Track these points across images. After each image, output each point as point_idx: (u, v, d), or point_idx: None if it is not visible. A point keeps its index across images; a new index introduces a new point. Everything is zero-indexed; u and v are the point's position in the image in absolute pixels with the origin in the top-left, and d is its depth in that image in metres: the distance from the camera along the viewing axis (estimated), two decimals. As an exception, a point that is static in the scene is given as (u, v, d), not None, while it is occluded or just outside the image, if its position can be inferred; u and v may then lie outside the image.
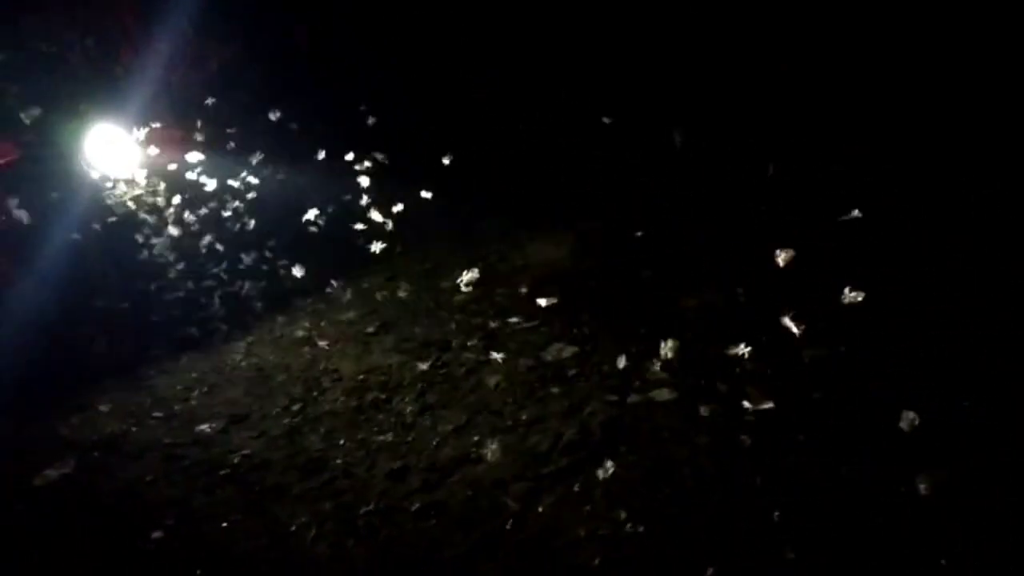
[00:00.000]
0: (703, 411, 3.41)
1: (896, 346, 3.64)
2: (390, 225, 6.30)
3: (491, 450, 3.39)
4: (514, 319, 4.58)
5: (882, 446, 3.03)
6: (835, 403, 3.34)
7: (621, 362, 3.87)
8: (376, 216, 6.42)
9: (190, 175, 6.26)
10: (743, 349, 3.80)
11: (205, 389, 4.38)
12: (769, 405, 3.37)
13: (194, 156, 6.37)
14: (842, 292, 4.07)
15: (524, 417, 3.61)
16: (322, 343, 4.69)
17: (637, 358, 3.91)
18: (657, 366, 3.80)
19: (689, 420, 3.36)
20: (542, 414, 3.61)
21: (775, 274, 4.24)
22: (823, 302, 4.08)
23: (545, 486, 3.12)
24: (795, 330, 3.84)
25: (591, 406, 3.59)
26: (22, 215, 4.92)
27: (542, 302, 4.66)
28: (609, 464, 3.14)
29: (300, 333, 4.85)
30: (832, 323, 3.87)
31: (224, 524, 3.24)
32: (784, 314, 4.00)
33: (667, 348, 3.91)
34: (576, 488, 3.08)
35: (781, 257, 4.19)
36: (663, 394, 3.57)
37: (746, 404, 3.39)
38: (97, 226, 5.38)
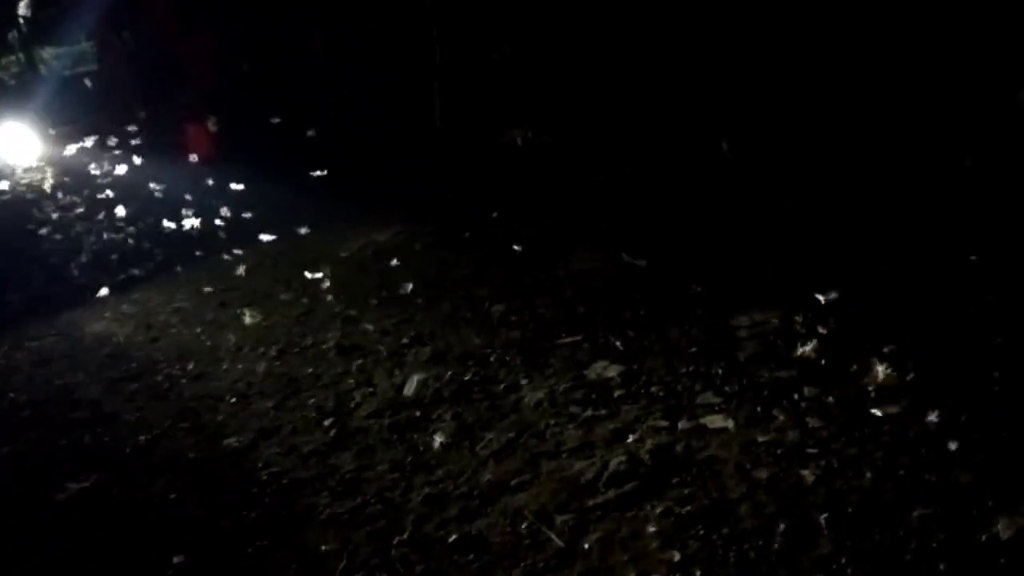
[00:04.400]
0: (760, 440, 3.19)
1: (965, 378, 3.41)
2: (422, 233, 6.17)
3: (533, 478, 3.20)
4: (555, 333, 4.38)
5: (954, 480, 2.80)
6: (903, 436, 3.11)
7: (670, 384, 3.66)
8: (406, 224, 6.30)
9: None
10: (800, 373, 3.58)
11: (233, 399, 4.22)
12: (830, 436, 3.16)
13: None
14: (901, 317, 3.87)
15: (567, 442, 3.41)
16: (355, 353, 4.51)
17: (686, 380, 3.70)
18: (709, 389, 3.59)
19: (746, 451, 3.14)
20: (587, 439, 3.40)
21: (832, 296, 4.03)
22: (881, 325, 3.87)
23: (592, 520, 2.92)
24: (855, 355, 3.62)
25: (639, 431, 3.38)
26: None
27: (585, 315, 4.48)
28: (661, 498, 2.94)
29: (331, 342, 4.67)
30: (896, 348, 3.64)
31: (249, 549, 3.08)
32: (842, 338, 3.80)
33: (718, 370, 3.71)
34: (625, 524, 2.87)
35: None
36: (716, 420, 3.35)
37: (806, 434, 3.18)
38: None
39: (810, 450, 3.10)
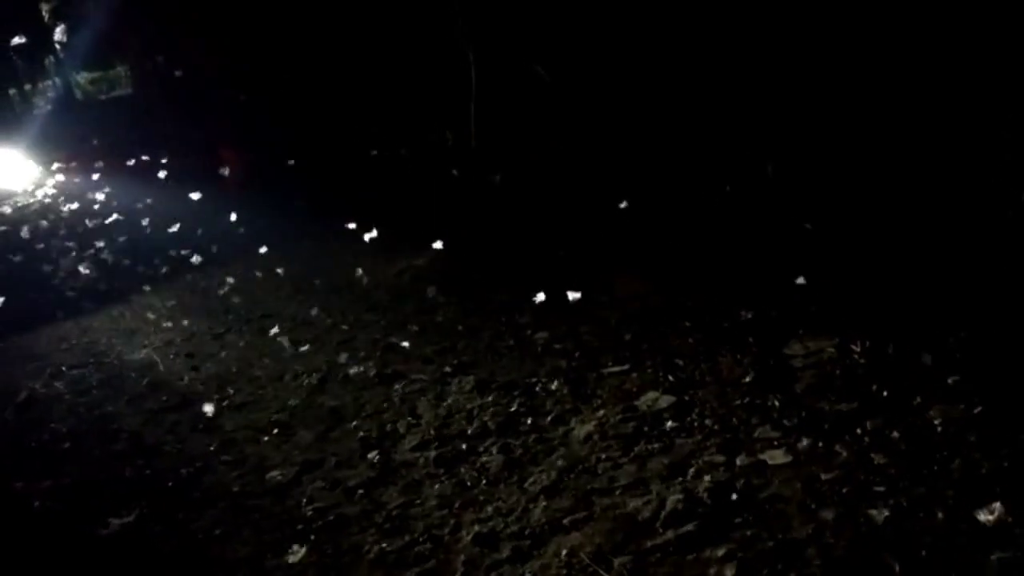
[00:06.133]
0: (824, 478, 3.07)
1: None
2: (460, 258, 6.10)
3: (587, 516, 3.09)
4: (601, 362, 4.28)
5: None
6: (975, 474, 2.97)
7: (724, 416, 3.55)
8: (444, 248, 6.24)
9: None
10: (861, 406, 3.45)
11: (276, 431, 4.16)
12: (898, 473, 3.03)
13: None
14: (965, 347, 3.73)
15: (620, 477, 3.30)
16: (398, 382, 4.44)
17: (742, 412, 3.58)
18: (766, 423, 3.47)
19: (810, 489, 3.02)
20: (641, 475, 3.29)
21: (889, 325, 3.90)
22: (944, 356, 3.73)
23: (651, 563, 2.80)
24: (918, 386, 3.48)
25: (696, 467, 3.27)
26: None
27: (631, 343, 4.38)
28: (723, 540, 2.82)
29: (374, 371, 4.60)
30: (960, 379, 3.51)
31: (297, 591, 3.00)
32: (903, 368, 3.67)
33: (775, 402, 3.59)
34: (687, 568, 2.75)
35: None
36: (777, 456, 3.23)
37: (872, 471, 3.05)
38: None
39: (877, 488, 2.97)
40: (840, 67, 5.17)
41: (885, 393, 3.51)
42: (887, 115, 4.99)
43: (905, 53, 4.93)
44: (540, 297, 5.16)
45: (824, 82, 5.26)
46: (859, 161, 5.07)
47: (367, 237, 6.72)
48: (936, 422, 3.27)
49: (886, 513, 2.84)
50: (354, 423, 4.11)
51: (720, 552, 2.78)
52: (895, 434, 3.25)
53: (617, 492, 3.22)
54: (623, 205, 6.10)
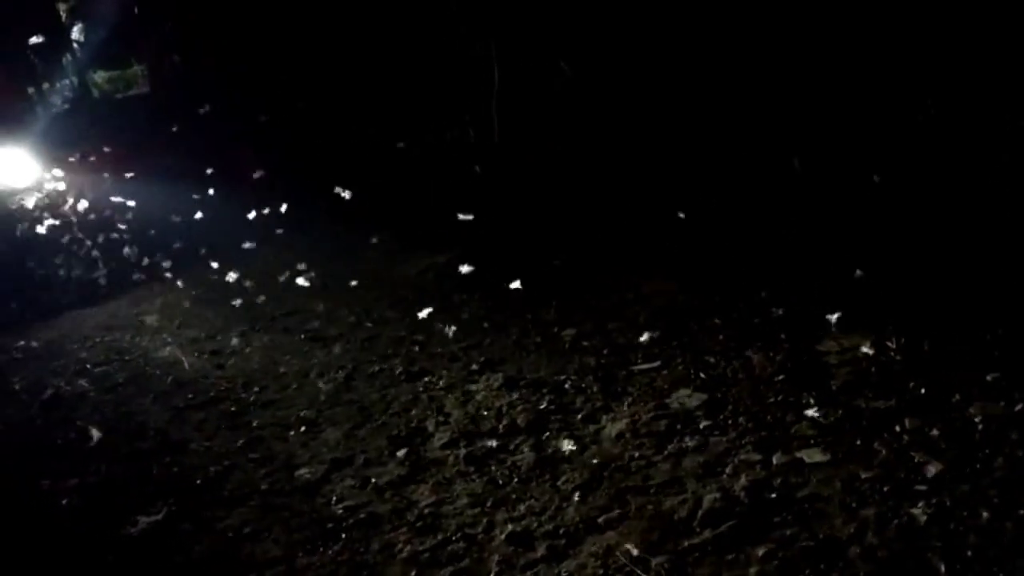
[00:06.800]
0: (864, 476, 3.02)
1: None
2: (484, 255, 6.06)
3: (622, 515, 3.06)
4: (630, 358, 4.24)
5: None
6: (1019, 471, 2.92)
7: (758, 414, 3.50)
8: (467, 246, 6.20)
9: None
10: (899, 404, 3.40)
11: (303, 428, 4.13)
12: (940, 470, 2.98)
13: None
14: (1003, 342, 3.67)
15: (655, 476, 3.26)
16: (425, 379, 4.41)
17: (776, 410, 3.53)
18: (801, 420, 3.42)
19: (849, 487, 2.97)
20: (675, 473, 3.25)
21: (925, 321, 3.84)
22: (981, 351, 3.67)
23: (689, 562, 2.76)
24: (956, 383, 3.43)
25: (731, 465, 3.22)
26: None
27: (660, 341, 4.34)
28: (762, 539, 2.78)
29: (400, 368, 4.57)
30: (1000, 376, 3.45)
31: (330, 590, 2.97)
32: (940, 365, 3.61)
33: (810, 399, 3.54)
34: (726, 568, 2.71)
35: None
36: (814, 455, 3.18)
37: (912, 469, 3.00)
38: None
39: (919, 487, 2.92)
40: (868, 60, 5.11)
41: (923, 391, 3.46)
42: (922, 106, 4.92)
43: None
44: (566, 294, 5.13)
45: (852, 72, 5.19)
46: (890, 154, 5.01)
47: (389, 234, 6.70)
48: (976, 420, 3.22)
49: (929, 512, 2.79)
50: (382, 421, 4.08)
51: (760, 551, 2.74)
52: (934, 432, 3.20)
53: (652, 491, 3.18)
54: (648, 202, 6.06)
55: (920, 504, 2.84)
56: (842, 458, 3.14)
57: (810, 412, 3.44)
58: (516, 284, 5.42)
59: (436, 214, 6.86)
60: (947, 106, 4.96)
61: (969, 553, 2.61)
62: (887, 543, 2.70)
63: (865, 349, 3.83)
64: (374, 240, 6.73)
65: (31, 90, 13.36)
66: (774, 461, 3.19)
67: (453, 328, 4.92)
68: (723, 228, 5.50)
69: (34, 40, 12.42)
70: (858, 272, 4.37)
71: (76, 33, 13.92)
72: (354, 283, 6.03)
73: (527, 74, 6.99)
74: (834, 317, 4.06)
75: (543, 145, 6.83)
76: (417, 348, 4.82)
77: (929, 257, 4.44)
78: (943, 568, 2.56)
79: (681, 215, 5.56)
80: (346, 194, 6.68)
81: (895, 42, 5.06)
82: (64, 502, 3.82)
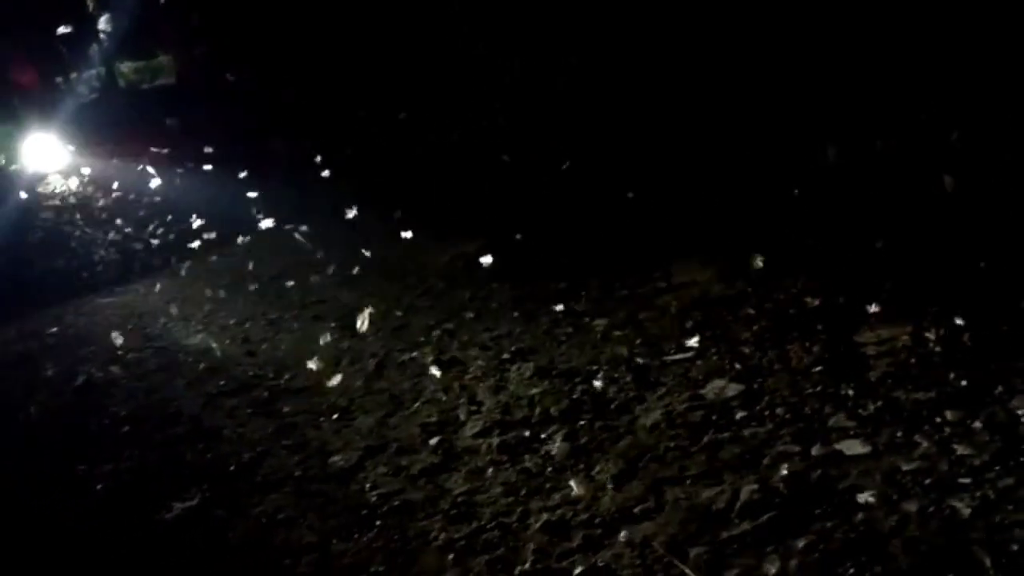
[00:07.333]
0: (905, 468, 2.97)
1: None
2: (512, 244, 6.03)
3: (658, 505, 3.03)
4: (663, 348, 4.21)
5: None
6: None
7: (796, 405, 3.46)
8: (495, 235, 6.18)
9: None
10: (940, 396, 3.35)
11: (335, 416, 4.13)
12: (983, 463, 2.93)
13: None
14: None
15: (691, 467, 3.23)
16: (456, 368, 4.40)
17: (814, 401, 3.49)
18: (840, 412, 3.37)
19: (890, 480, 2.92)
20: (712, 464, 3.22)
21: (965, 311, 3.77)
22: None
23: (729, 554, 2.73)
24: (999, 375, 3.37)
25: (769, 457, 3.18)
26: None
27: (694, 330, 4.30)
28: (803, 532, 2.74)
29: (431, 357, 4.56)
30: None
31: (365, 577, 2.97)
32: (982, 356, 3.55)
33: (848, 391, 3.49)
34: (766, 559, 2.68)
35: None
36: (854, 446, 3.13)
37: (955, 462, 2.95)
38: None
39: (962, 480, 2.87)
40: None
41: (964, 382, 3.40)
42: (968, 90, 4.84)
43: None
44: (596, 283, 5.10)
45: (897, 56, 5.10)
46: (929, 139, 4.92)
47: (418, 223, 6.69)
48: (1020, 412, 3.16)
49: (973, 505, 2.74)
50: (414, 409, 4.08)
51: (801, 544, 2.70)
52: (977, 424, 3.14)
53: (688, 482, 3.15)
54: (676, 190, 6.00)
55: (964, 497, 2.79)
56: (882, 450, 3.09)
57: (849, 404, 3.39)
58: (545, 273, 5.41)
59: (464, 204, 6.86)
60: (991, 89, 4.86)
61: (1014, 547, 2.55)
62: (930, 537, 2.66)
63: (904, 340, 3.77)
64: (402, 229, 6.71)
65: (59, 79, 13.46)
66: (813, 453, 3.15)
67: (483, 317, 4.91)
68: (755, 216, 5.44)
69: (62, 30, 12.52)
70: (895, 261, 4.31)
71: (103, 23, 14.01)
72: (383, 272, 6.04)
73: (558, 62, 6.94)
74: (872, 307, 4.00)
75: (574, 132, 6.78)
76: (447, 337, 4.81)
77: (970, 246, 4.36)
78: (988, 562, 2.52)
79: (712, 202, 5.50)
80: (375, 183, 6.69)
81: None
82: (99, 487, 3.85)
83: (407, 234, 6.56)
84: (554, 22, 6.90)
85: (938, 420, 3.20)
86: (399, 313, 5.29)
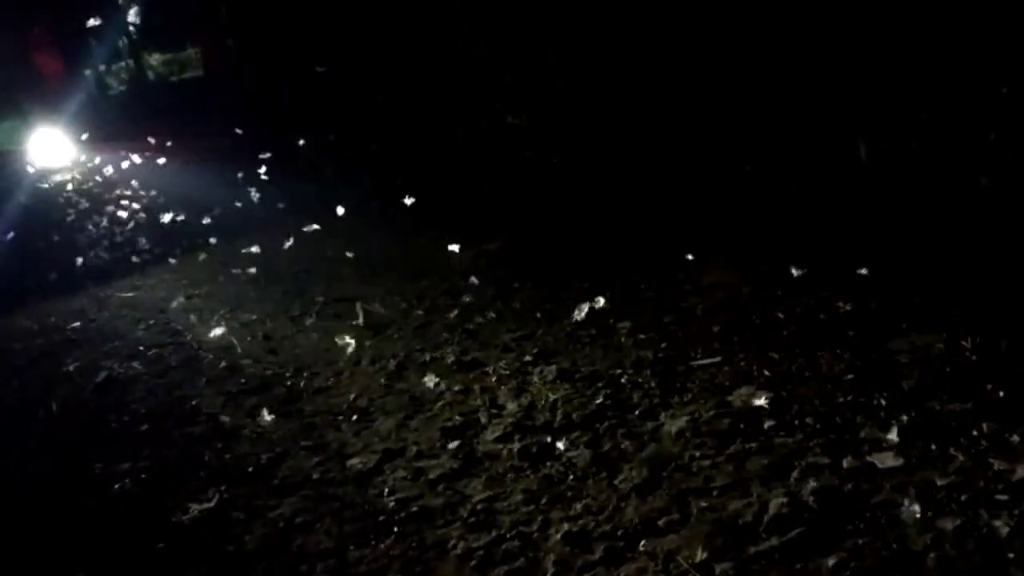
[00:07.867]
0: (940, 483, 2.87)
1: None
2: (533, 243, 5.96)
3: (683, 517, 2.95)
4: (689, 354, 4.12)
5: None
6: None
7: (826, 415, 3.36)
8: (516, 235, 6.11)
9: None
10: (976, 407, 3.24)
11: (355, 417, 4.08)
12: (1020, 480, 2.82)
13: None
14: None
15: (717, 478, 3.14)
16: (477, 370, 4.33)
17: (845, 411, 3.39)
18: (872, 423, 3.27)
19: (924, 495, 2.83)
20: (739, 475, 3.13)
21: (1009, 318, 3.66)
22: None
23: (756, 571, 2.65)
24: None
25: (798, 469, 3.09)
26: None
27: (720, 335, 4.20)
28: (833, 548, 2.65)
29: (452, 357, 4.50)
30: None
31: (382, 586, 2.91)
32: (1020, 367, 3.43)
33: (881, 401, 3.39)
34: (796, 576, 2.60)
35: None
36: (886, 459, 3.04)
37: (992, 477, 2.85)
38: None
39: (999, 496, 2.77)
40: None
41: (1001, 393, 3.29)
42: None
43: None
44: (620, 284, 5.01)
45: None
46: (964, 143, 4.80)
47: (440, 222, 6.63)
48: (1061, 425, 3.06)
49: (1011, 524, 2.65)
50: (434, 411, 4.01)
51: (831, 561, 2.61)
52: (1015, 438, 3.04)
53: (714, 493, 3.06)
54: (702, 192, 5.91)
55: (1001, 515, 2.69)
56: (916, 463, 2.99)
57: (881, 414, 3.29)
58: (569, 274, 5.34)
59: (489, 201, 6.79)
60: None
61: (1057, 570, 2.46)
62: (966, 555, 2.56)
63: (939, 348, 3.67)
64: (425, 227, 6.67)
65: (88, 72, 13.53)
66: (844, 465, 3.06)
67: (505, 318, 4.83)
68: (784, 217, 5.34)
69: (91, 23, 12.57)
70: (930, 266, 4.20)
71: (132, 16, 14.07)
72: (405, 271, 5.99)
73: (581, 58, 6.85)
74: (905, 314, 3.89)
75: (599, 130, 6.69)
76: (469, 338, 4.74)
77: (1007, 251, 4.24)
78: (1028, 584, 2.42)
79: (740, 202, 5.40)
80: (397, 182, 6.64)
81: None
82: (116, 486, 3.81)
83: (430, 232, 6.51)
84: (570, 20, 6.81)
85: (974, 432, 3.10)
86: (420, 312, 5.23)
